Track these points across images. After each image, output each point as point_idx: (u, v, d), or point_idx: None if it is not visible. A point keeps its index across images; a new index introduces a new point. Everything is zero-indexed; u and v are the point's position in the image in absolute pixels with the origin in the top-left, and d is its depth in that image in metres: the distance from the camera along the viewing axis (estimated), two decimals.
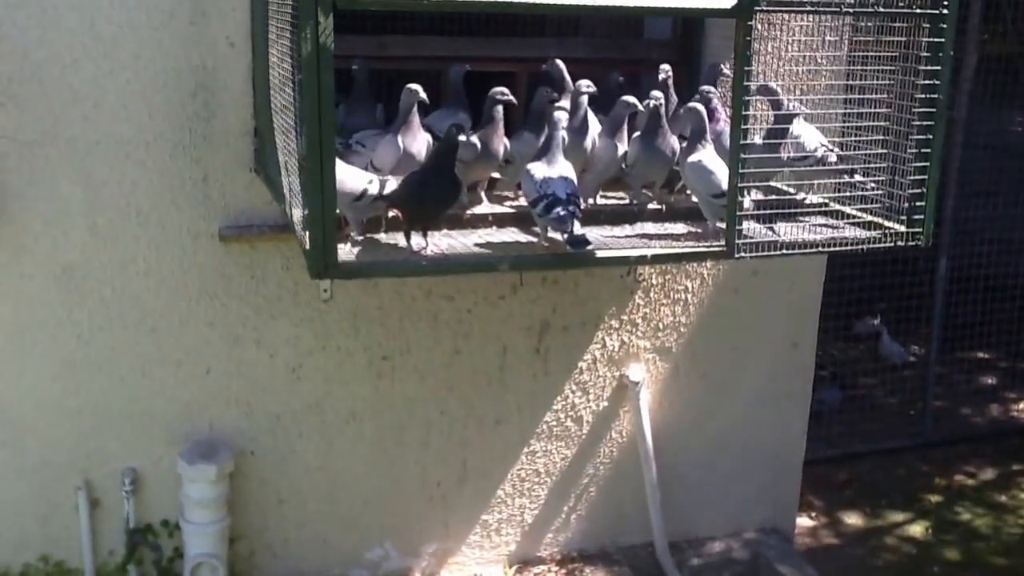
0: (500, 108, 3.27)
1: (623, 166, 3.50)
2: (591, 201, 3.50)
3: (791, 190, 3.40)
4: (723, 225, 2.95)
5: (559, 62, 3.67)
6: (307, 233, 2.51)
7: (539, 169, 3.03)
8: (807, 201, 3.37)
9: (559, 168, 3.02)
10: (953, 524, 5.33)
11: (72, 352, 3.61)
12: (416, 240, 3.00)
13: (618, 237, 3.22)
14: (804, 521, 5.22)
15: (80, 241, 3.52)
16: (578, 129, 3.32)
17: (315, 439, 3.91)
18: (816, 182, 3.34)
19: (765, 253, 2.89)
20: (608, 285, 4.19)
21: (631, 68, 4.25)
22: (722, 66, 3.59)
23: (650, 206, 3.55)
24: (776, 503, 4.68)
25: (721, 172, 3.09)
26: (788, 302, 4.46)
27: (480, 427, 4.11)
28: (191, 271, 3.63)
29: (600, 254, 2.93)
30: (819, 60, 3.30)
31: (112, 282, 3.58)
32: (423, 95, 3.21)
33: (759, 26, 2.84)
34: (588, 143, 3.36)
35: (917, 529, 5.27)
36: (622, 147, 3.43)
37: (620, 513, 4.40)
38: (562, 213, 2.87)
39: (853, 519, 5.38)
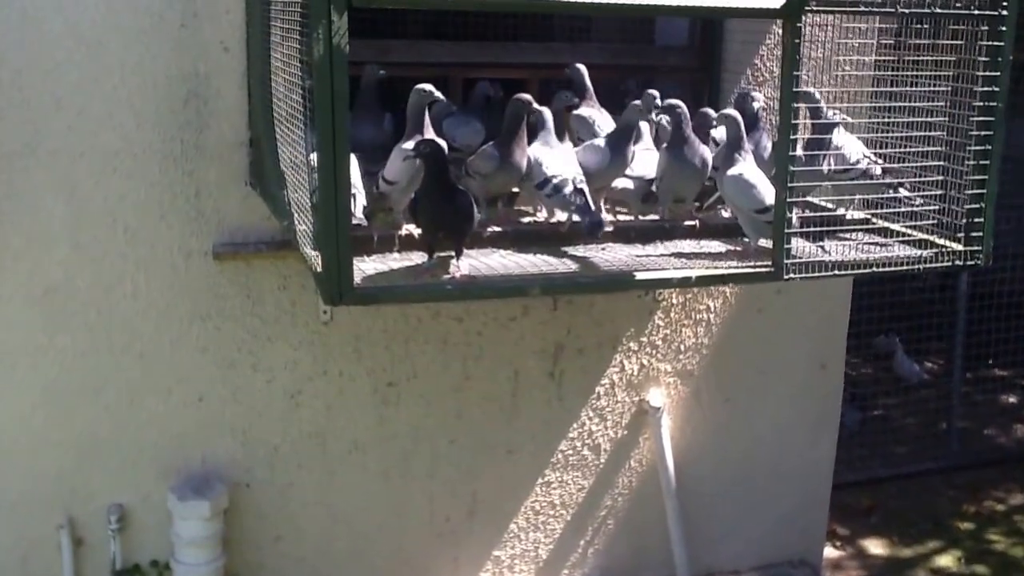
0: (524, 118, 3.05)
1: (655, 182, 3.30)
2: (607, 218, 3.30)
3: (830, 205, 3.20)
4: (767, 243, 2.78)
5: (581, 66, 3.51)
6: (318, 254, 2.32)
7: (541, 152, 2.95)
8: (848, 217, 3.18)
9: (563, 153, 2.96)
10: (987, 553, 5.12)
11: (54, 379, 3.47)
12: (439, 259, 2.84)
13: (652, 256, 3.04)
14: (829, 551, 5.00)
15: (63, 260, 3.38)
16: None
17: (315, 470, 3.78)
18: (858, 197, 3.17)
19: (816, 274, 2.71)
20: (626, 305, 4.05)
21: (646, 74, 4.12)
22: (752, 94, 3.39)
23: (683, 222, 3.35)
24: (804, 533, 4.56)
25: (764, 185, 2.92)
26: (815, 321, 4.35)
27: (491, 457, 3.98)
28: (182, 292, 3.49)
29: (640, 275, 2.74)
30: (864, 65, 3.06)
31: (97, 304, 3.44)
32: (437, 94, 3.00)
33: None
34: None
35: (949, 560, 5.06)
36: (642, 159, 3.21)
37: (640, 546, 4.28)
38: (569, 191, 2.76)
39: (880, 548, 5.17)
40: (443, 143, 2.90)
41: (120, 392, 3.53)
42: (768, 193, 2.82)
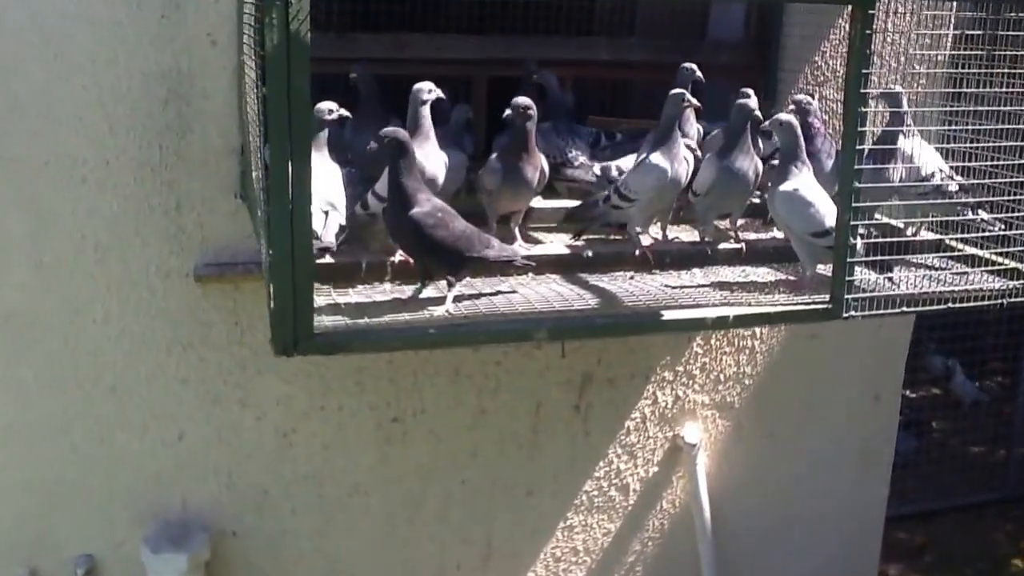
0: (529, 124, 2.77)
1: (692, 193, 2.97)
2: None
3: (898, 224, 2.90)
4: (819, 269, 2.54)
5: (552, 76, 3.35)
6: (271, 291, 2.01)
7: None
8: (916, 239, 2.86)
9: None
10: None
11: (14, 416, 3.33)
12: (431, 292, 2.52)
13: (687, 287, 2.70)
14: None
15: (23, 282, 3.24)
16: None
17: (311, 516, 3.61)
18: (930, 218, 2.85)
19: (882, 311, 2.41)
20: None
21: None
22: (809, 99, 3.04)
23: (723, 245, 3.02)
24: None
25: (823, 204, 2.59)
26: (871, 348, 4.17)
27: (508, 499, 3.82)
28: (160, 317, 3.32)
29: (668, 315, 2.40)
30: (940, 62, 2.69)
31: (63, 332, 3.28)
32: (437, 92, 2.71)
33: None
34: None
35: None
36: (676, 165, 2.83)
37: None
38: None
39: None
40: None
41: (89, 430, 3.37)
42: (828, 213, 2.52)
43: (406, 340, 2.37)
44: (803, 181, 2.66)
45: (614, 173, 3.04)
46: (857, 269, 2.39)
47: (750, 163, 2.84)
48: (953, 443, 6.17)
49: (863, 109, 2.21)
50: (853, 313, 2.39)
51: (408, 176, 2.39)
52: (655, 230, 3.04)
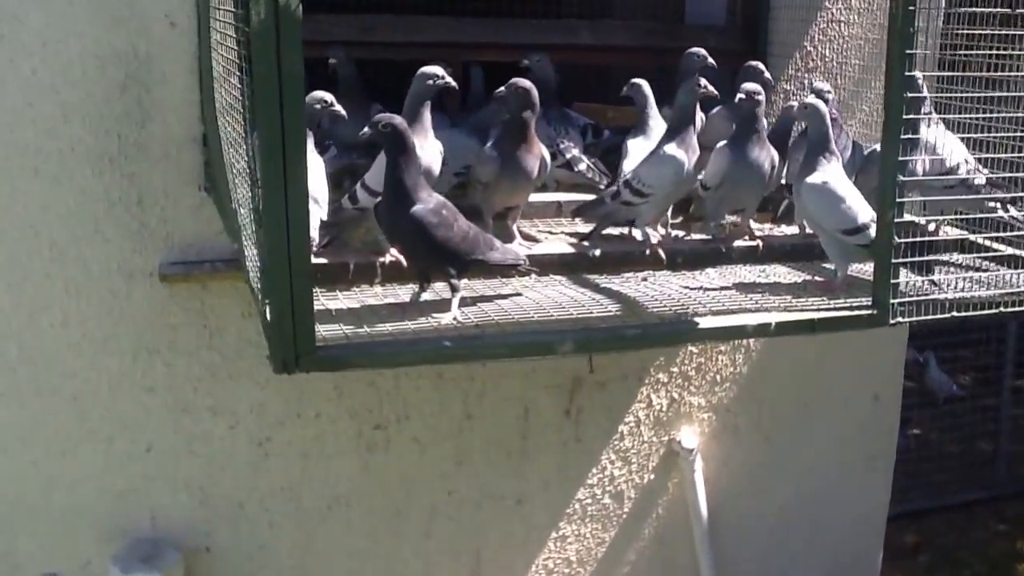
0: (529, 111, 2.61)
1: (702, 187, 2.82)
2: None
3: (919, 220, 2.73)
4: (844, 270, 2.41)
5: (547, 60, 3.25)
6: (266, 301, 1.82)
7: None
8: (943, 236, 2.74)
9: None
10: None
11: None
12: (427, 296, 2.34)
13: (708, 290, 2.53)
14: None
15: None
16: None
17: (289, 530, 3.52)
18: (956, 213, 2.75)
19: (930, 316, 2.25)
20: None
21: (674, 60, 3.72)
22: (822, 85, 2.93)
23: (738, 243, 2.87)
24: None
25: (854, 198, 2.46)
26: (870, 347, 4.05)
27: (497, 509, 3.74)
28: (124, 321, 3.21)
29: (704, 323, 2.20)
30: (966, 43, 2.55)
31: (17, 337, 3.15)
32: (448, 80, 2.52)
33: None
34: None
35: None
36: (692, 156, 2.70)
37: None
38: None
39: None
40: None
41: (50, 443, 3.25)
42: (861, 209, 2.39)
43: (420, 354, 2.16)
44: (832, 173, 2.50)
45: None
46: (903, 272, 2.24)
47: (765, 154, 2.68)
48: (933, 439, 6.14)
49: (908, 94, 2.05)
50: (900, 319, 2.26)
51: (408, 169, 2.22)
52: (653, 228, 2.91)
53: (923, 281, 2.31)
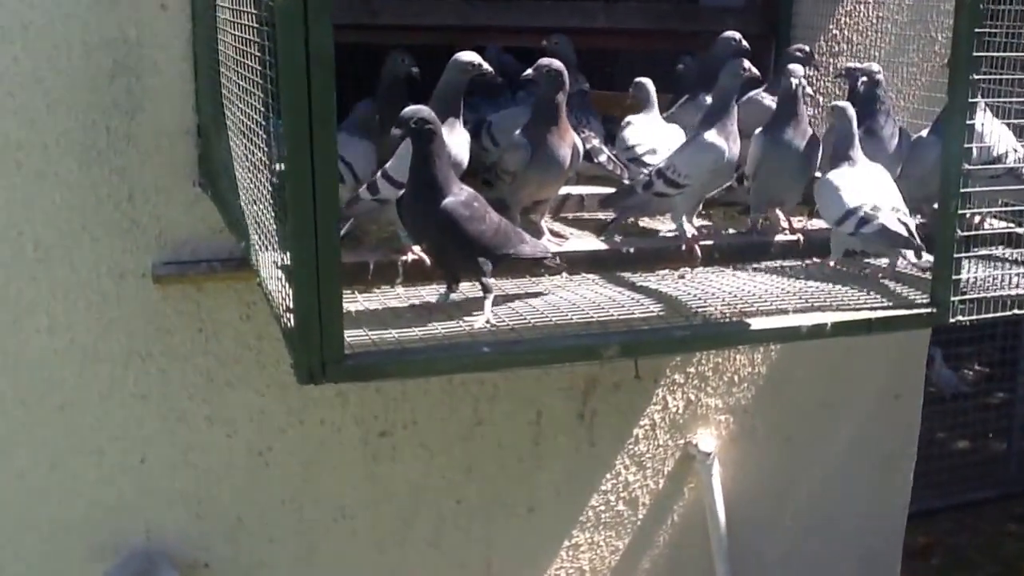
0: (562, 94, 2.47)
1: (744, 177, 2.73)
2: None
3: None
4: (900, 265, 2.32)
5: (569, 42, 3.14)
6: (290, 305, 1.69)
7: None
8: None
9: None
10: None
11: None
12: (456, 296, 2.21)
13: (751, 288, 2.41)
14: None
15: None
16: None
17: (291, 544, 3.46)
18: (1001, 204, 2.62)
19: (992, 314, 2.16)
20: None
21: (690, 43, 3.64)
22: (863, 68, 2.80)
23: (779, 237, 2.75)
24: None
25: (848, 188, 2.43)
26: (891, 344, 3.99)
27: (508, 518, 3.69)
28: (114, 325, 3.13)
29: (756, 324, 2.08)
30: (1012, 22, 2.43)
31: (2, 344, 3.08)
32: (486, 67, 2.40)
33: None
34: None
35: None
36: (732, 145, 2.58)
37: None
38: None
39: None
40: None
41: (37, 454, 3.18)
42: (851, 199, 2.37)
43: (458, 362, 2.03)
44: (844, 171, 2.45)
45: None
46: (964, 267, 2.13)
47: (803, 139, 2.56)
48: (941, 438, 6.04)
49: (975, 76, 1.94)
50: (960, 318, 2.17)
51: (438, 161, 2.09)
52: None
53: (983, 278, 2.22)
